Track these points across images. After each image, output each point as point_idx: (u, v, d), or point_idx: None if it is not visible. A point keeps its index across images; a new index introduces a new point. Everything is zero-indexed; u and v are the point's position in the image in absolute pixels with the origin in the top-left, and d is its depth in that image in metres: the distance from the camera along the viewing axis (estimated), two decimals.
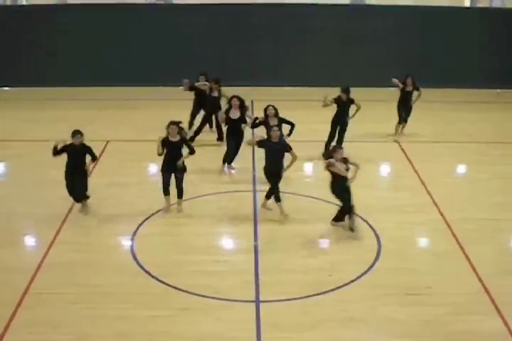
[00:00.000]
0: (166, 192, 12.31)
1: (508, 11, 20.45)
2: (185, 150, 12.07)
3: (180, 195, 12.41)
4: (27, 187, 13.20)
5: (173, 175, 12.21)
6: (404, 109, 16.53)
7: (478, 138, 16.23)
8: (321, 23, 20.29)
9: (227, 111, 13.94)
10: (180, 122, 12.09)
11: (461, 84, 20.39)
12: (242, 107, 13.87)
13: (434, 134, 16.80)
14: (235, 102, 13.80)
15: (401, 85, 16.11)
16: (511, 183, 14.03)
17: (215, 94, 15.48)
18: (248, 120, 13.99)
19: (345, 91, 14.87)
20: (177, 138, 11.96)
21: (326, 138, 15.02)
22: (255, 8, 20.23)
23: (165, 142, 11.92)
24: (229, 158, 14.24)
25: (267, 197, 12.45)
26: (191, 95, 15.99)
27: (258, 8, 20.24)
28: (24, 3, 21.99)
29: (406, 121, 16.75)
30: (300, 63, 20.52)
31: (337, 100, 14.90)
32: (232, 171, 14.32)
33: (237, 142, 14.07)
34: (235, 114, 13.85)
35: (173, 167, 12.07)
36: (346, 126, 14.97)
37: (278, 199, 12.21)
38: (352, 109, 14.96)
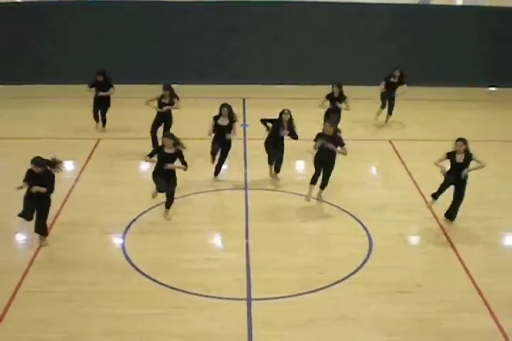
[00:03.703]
0: (158, 191, 12.15)
1: (502, 10, 20.46)
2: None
3: (168, 205, 12.14)
4: (17, 185, 13.14)
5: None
6: (387, 98, 16.99)
7: (470, 136, 16.17)
8: (315, 21, 20.26)
9: (216, 118, 13.45)
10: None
11: (453, 82, 20.41)
12: (231, 115, 13.42)
13: (427, 133, 16.83)
14: (225, 112, 13.32)
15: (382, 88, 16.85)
16: (503, 182, 14.10)
17: (166, 100, 14.86)
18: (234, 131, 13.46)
19: (338, 86, 15.24)
20: (172, 150, 11.78)
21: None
22: (249, 6, 20.17)
23: (159, 152, 11.84)
24: (216, 169, 13.83)
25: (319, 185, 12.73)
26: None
27: (252, 5, 20.18)
28: (19, 0, 21.88)
29: (391, 114, 17.22)
30: (293, 61, 20.51)
31: (329, 96, 15.35)
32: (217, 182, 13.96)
33: (222, 150, 13.64)
34: (223, 121, 13.40)
35: (164, 177, 11.87)
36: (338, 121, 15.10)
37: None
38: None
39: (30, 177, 10.62)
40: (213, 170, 13.80)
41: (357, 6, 20.47)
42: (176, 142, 11.82)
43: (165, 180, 11.88)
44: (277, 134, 13.33)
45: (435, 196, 12.04)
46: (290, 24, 20.33)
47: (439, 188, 11.98)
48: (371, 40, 20.44)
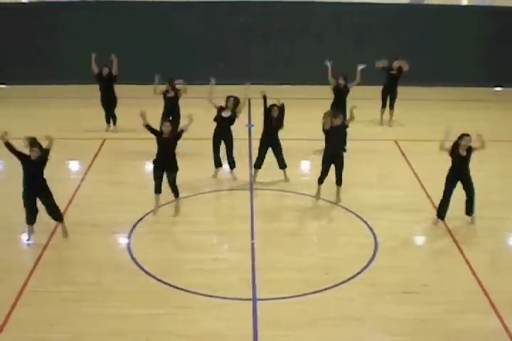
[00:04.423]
0: (157, 189, 12.22)
1: (506, 9, 20.44)
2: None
3: (175, 194, 12.31)
4: (21, 186, 13.19)
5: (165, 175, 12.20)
6: (388, 93, 17.04)
7: (475, 136, 16.24)
8: (318, 22, 20.30)
9: (219, 110, 13.54)
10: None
11: (458, 82, 20.39)
12: (235, 107, 13.50)
13: (431, 132, 16.76)
14: (230, 103, 13.43)
15: (384, 64, 16.90)
16: (508, 182, 14.07)
17: (171, 94, 15.26)
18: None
19: (344, 78, 15.30)
20: (170, 135, 11.94)
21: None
22: (254, 6, 20.19)
23: (158, 138, 11.95)
24: (230, 162, 13.92)
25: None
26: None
27: (256, 6, 20.21)
28: (24, 0, 21.94)
29: (393, 108, 17.24)
30: (298, 61, 20.52)
31: (334, 88, 15.39)
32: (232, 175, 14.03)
33: (226, 143, 13.72)
34: (226, 113, 13.45)
35: (165, 165, 12.04)
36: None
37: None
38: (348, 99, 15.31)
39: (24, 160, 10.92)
40: (229, 166, 13.91)
41: (361, 6, 20.46)
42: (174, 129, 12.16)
43: (163, 172, 12.08)
44: (270, 128, 13.35)
45: (441, 215, 12.00)
46: (295, 24, 20.34)
47: (442, 201, 11.89)
48: (375, 40, 20.41)
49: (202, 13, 20.31)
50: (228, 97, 13.55)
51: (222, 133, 13.66)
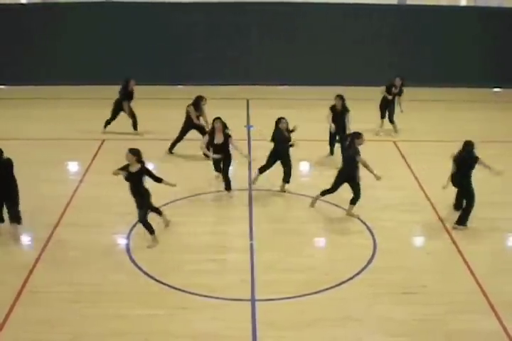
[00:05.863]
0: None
1: (506, 10, 20.47)
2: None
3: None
4: (22, 185, 13.14)
5: None
6: (386, 107, 16.75)
7: (473, 137, 16.19)
8: (317, 22, 20.29)
9: (211, 134, 12.79)
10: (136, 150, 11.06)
11: (458, 83, 20.40)
12: (225, 130, 12.73)
13: (430, 133, 16.82)
14: (218, 125, 12.64)
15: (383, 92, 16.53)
16: (507, 183, 14.03)
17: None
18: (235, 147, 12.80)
19: (341, 98, 14.62)
20: (136, 167, 10.95)
21: (324, 137, 15.00)
22: (252, 7, 20.20)
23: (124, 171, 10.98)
24: (226, 183, 13.15)
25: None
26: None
27: (255, 6, 20.21)
28: (24, 1, 21.97)
29: (392, 122, 16.84)
30: (296, 62, 20.52)
31: (332, 109, 14.70)
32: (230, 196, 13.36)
33: (225, 164, 12.98)
34: (219, 139, 12.70)
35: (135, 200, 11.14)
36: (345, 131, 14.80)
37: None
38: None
39: None
40: (224, 186, 13.20)
41: (360, 7, 20.47)
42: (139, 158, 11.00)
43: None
44: (281, 144, 12.90)
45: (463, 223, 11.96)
46: (294, 25, 20.34)
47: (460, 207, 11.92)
48: (375, 41, 20.41)
49: (201, 14, 20.28)
50: (216, 119, 12.75)
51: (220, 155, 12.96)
